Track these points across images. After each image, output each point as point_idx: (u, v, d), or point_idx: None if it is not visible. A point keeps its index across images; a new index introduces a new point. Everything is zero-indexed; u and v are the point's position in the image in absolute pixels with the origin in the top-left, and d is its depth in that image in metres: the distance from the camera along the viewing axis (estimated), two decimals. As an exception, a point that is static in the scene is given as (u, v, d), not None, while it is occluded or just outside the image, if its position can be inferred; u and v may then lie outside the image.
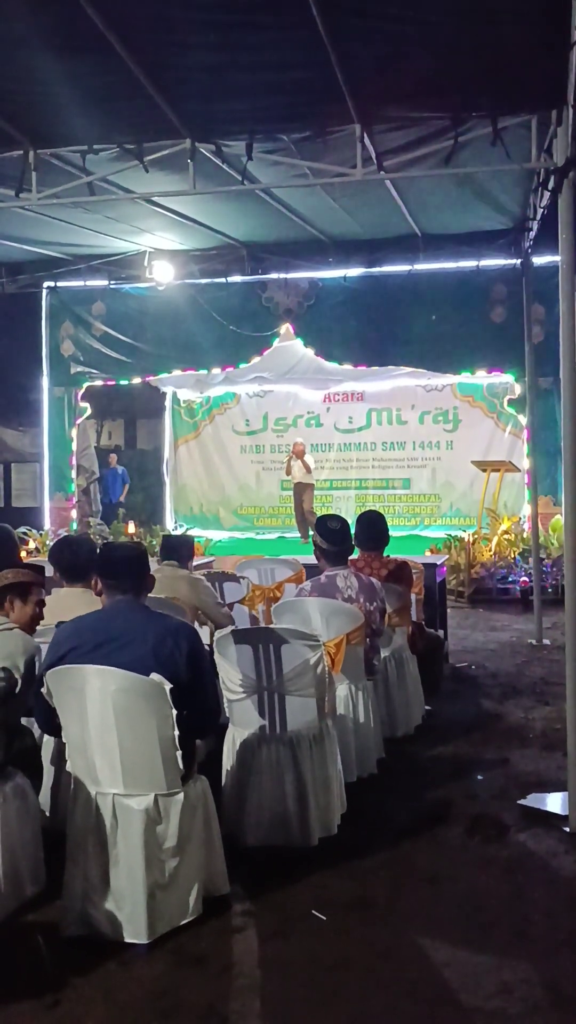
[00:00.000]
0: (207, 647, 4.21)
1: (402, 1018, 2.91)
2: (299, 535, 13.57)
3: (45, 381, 12.62)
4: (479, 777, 4.96)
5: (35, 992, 3.03)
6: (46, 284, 12.15)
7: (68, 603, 4.14)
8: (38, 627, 4.07)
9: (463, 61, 4.89)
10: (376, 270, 11.08)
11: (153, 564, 6.75)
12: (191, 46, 4.84)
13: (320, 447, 14.94)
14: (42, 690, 3.40)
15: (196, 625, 5.31)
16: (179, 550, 5.72)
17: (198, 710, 3.42)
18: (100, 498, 14.78)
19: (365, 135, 5.55)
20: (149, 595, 4.73)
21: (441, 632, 7.39)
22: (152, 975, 3.13)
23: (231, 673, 4.07)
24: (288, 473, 13.76)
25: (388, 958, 3.23)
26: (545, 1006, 2.95)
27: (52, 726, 3.48)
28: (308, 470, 13.57)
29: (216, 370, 12.83)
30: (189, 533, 13.32)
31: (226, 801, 4.04)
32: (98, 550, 4.15)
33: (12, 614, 3.78)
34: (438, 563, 7.75)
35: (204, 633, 5.07)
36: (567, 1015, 2.92)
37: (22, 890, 3.50)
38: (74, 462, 12.75)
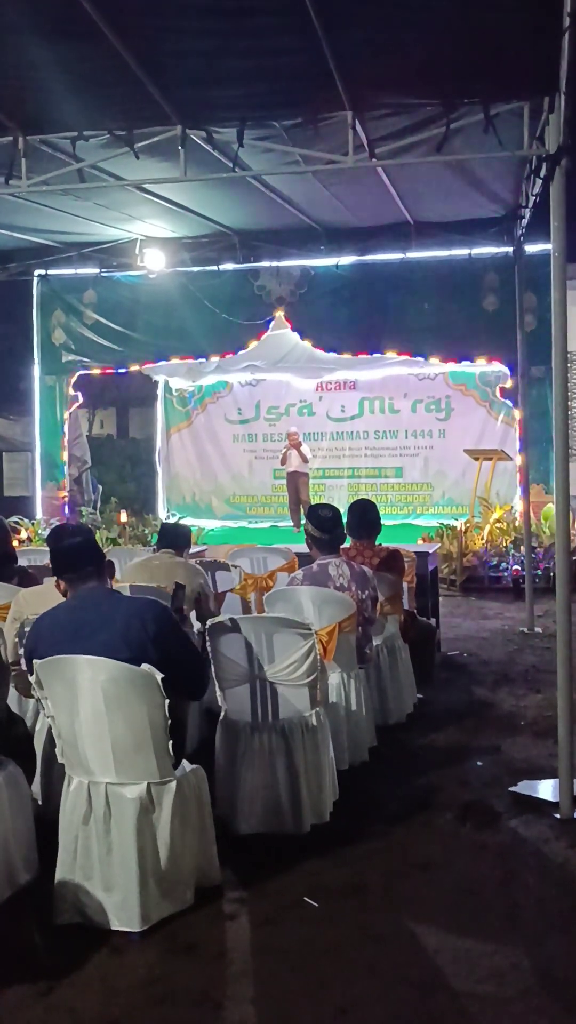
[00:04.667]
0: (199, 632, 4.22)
1: (394, 1003, 2.92)
2: (291, 524, 13.58)
3: (36, 370, 12.57)
4: (478, 763, 4.98)
5: (28, 979, 3.04)
6: (37, 272, 12.10)
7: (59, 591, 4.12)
8: (30, 616, 4.06)
9: (455, 47, 4.86)
10: (368, 258, 11.05)
11: (148, 552, 6.75)
12: (182, 31, 4.80)
13: (312, 436, 14.92)
14: (31, 678, 3.40)
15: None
16: (176, 539, 5.70)
17: (183, 679, 3.40)
18: (92, 487, 14.77)
19: (357, 122, 5.53)
20: (142, 584, 4.75)
21: (433, 620, 7.40)
22: (145, 962, 3.14)
23: (223, 661, 4.07)
24: (283, 463, 13.74)
25: (380, 944, 3.24)
26: (537, 990, 2.97)
27: None
28: (305, 460, 13.58)
29: (209, 358, 12.80)
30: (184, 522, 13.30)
31: (218, 789, 4.04)
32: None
33: None
34: (430, 552, 7.75)
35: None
36: (559, 999, 2.94)
37: (15, 878, 3.50)
38: (66, 451, 12.72)
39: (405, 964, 3.12)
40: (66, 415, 12.62)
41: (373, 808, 4.41)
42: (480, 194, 8.94)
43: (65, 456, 12.73)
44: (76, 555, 3.51)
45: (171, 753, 3.32)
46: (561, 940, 3.30)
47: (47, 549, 4.47)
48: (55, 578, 3.54)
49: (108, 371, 12.77)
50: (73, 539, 3.56)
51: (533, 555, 9.32)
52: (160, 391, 15.51)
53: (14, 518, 11.66)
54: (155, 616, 3.41)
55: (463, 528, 11.11)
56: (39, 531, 11.56)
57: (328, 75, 5.06)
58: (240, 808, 4.01)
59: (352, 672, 4.90)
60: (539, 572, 9.72)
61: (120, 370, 12.75)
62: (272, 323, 11.78)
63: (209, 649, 4.05)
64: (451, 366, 13.07)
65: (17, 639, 4.12)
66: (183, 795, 3.38)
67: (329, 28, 4.61)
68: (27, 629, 4.05)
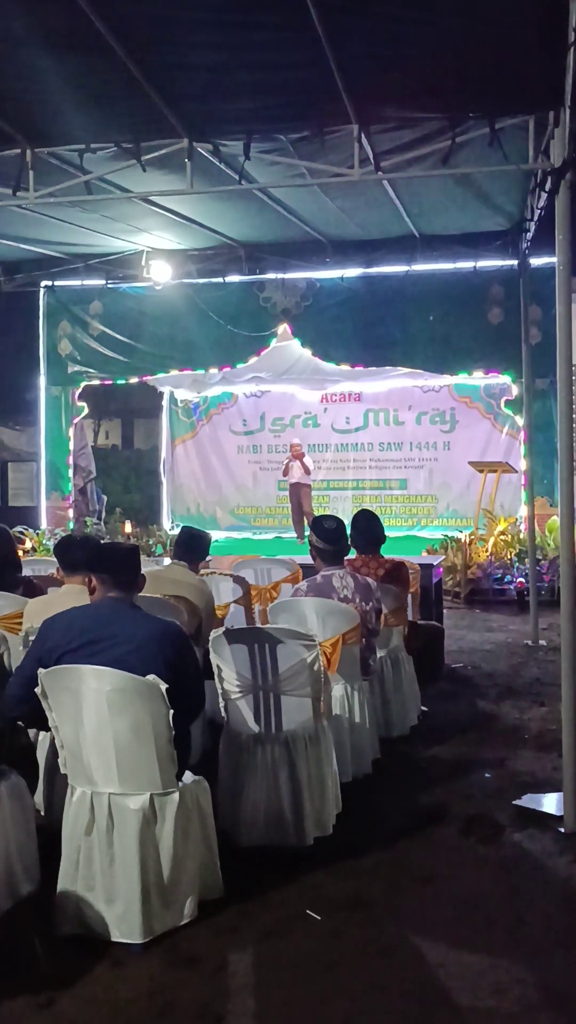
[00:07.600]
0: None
1: (397, 1018, 2.90)
2: (295, 535, 13.58)
3: (42, 380, 12.61)
4: (484, 776, 4.97)
5: (30, 991, 3.02)
6: (43, 283, 12.15)
7: (67, 601, 4.12)
8: (35, 627, 4.06)
9: (461, 61, 4.89)
10: (373, 271, 11.08)
11: (152, 562, 6.74)
12: (189, 45, 4.84)
13: (317, 447, 14.95)
14: (36, 689, 3.39)
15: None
16: (193, 551, 5.37)
17: (179, 705, 3.40)
18: (97, 498, 14.78)
19: (363, 135, 5.56)
20: (147, 595, 4.73)
21: (438, 631, 7.38)
22: (146, 975, 3.12)
23: (227, 673, 4.06)
24: (285, 474, 13.77)
25: (383, 958, 3.22)
26: (540, 1006, 2.95)
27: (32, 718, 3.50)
28: (307, 471, 13.60)
29: (213, 370, 12.83)
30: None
31: (221, 801, 4.03)
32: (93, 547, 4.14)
33: None
34: (434, 563, 7.75)
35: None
36: (562, 1015, 2.92)
37: (17, 889, 3.49)
38: (71, 462, 12.75)
39: (408, 978, 3.11)
40: (71, 426, 12.65)
41: (376, 821, 4.40)
42: (485, 207, 8.97)
43: (70, 466, 12.76)
44: (121, 561, 3.61)
45: (175, 764, 3.32)
46: (565, 955, 3.28)
47: (52, 559, 4.49)
48: (89, 575, 3.61)
49: (113, 382, 12.80)
50: (124, 547, 3.83)
51: (537, 567, 9.31)
52: (165, 402, 15.55)
53: (19, 528, 11.66)
54: (173, 641, 3.45)
55: (467, 540, 11.10)
56: (43, 541, 11.57)
57: (334, 89, 5.09)
58: (243, 820, 4.00)
59: (356, 684, 4.89)
60: (544, 584, 9.70)
61: (125, 381, 12.79)
62: (277, 335, 11.81)
63: (214, 665, 4.05)
64: (456, 378, 13.09)
65: (22, 648, 4.12)
66: (186, 806, 3.37)
67: (335, 42, 4.64)
68: (31, 638, 4.06)
